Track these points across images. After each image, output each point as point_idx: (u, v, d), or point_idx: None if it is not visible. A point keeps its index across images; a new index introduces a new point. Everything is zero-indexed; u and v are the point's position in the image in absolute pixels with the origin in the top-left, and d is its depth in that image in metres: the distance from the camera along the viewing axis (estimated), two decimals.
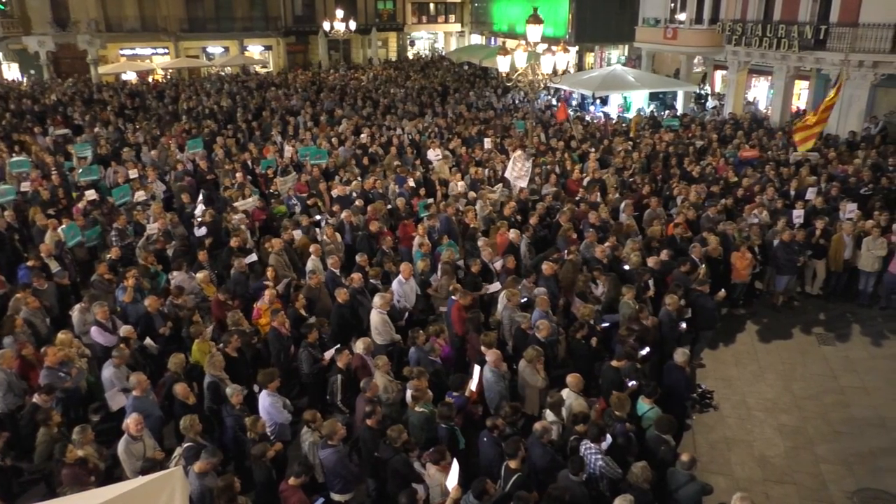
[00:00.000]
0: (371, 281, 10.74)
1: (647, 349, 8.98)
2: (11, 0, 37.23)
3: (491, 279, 10.99)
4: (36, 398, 7.78)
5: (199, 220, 13.16)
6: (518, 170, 14.97)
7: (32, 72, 38.46)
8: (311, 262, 11.28)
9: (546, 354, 8.57)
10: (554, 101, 29.28)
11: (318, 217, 14.09)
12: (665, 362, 8.79)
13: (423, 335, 8.82)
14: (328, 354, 8.85)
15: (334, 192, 14.94)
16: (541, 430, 7.00)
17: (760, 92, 27.65)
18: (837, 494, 8.07)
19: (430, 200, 14.42)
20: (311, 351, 8.85)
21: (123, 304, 10.11)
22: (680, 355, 8.46)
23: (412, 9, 52.10)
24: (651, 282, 10.59)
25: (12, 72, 38.77)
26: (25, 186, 15.34)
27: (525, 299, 9.98)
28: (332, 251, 11.77)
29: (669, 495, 6.62)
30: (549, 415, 7.58)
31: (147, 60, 41.65)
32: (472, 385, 8.12)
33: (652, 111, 26.90)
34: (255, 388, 8.34)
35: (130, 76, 37.71)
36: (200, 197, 14.92)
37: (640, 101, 28.03)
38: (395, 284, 10.54)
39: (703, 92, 29.64)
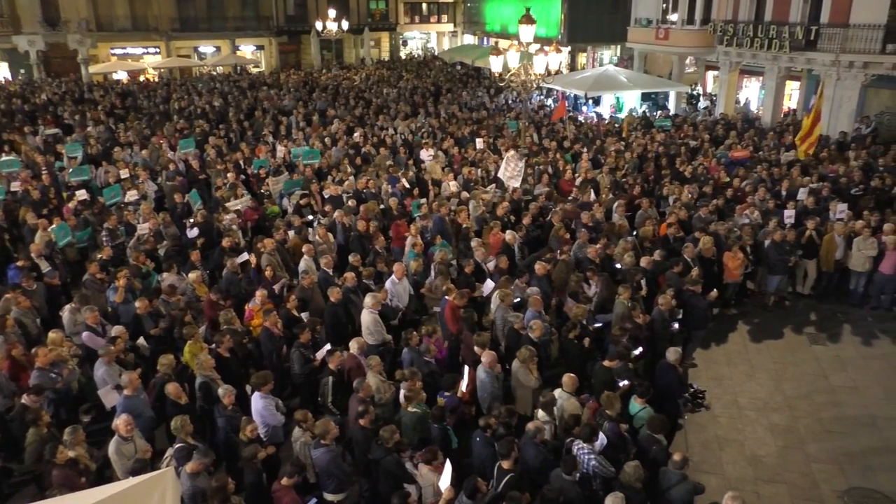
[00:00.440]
0: (364, 281, 10.72)
1: (640, 349, 8.99)
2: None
3: (484, 279, 11.00)
4: (25, 399, 7.71)
5: (191, 220, 13.10)
6: (511, 170, 14.97)
7: (23, 71, 38.19)
8: (304, 263, 11.26)
9: (539, 354, 8.58)
10: (548, 102, 29.33)
11: (310, 217, 14.06)
12: (657, 362, 8.82)
13: (417, 336, 8.81)
14: (320, 355, 8.83)
15: (326, 193, 14.92)
16: (534, 430, 7.02)
17: (752, 92, 27.78)
18: (828, 493, 8.10)
19: (423, 201, 14.41)
20: (303, 351, 8.83)
21: (115, 305, 10.06)
22: (672, 354, 8.50)
23: (405, 9, 51.97)
24: (643, 282, 10.62)
25: (2, 71, 38.54)
26: (15, 186, 15.24)
27: (518, 299, 9.99)
28: (324, 251, 11.73)
29: (661, 494, 6.64)
30: (542, 414, 7.59)
31: (138, 60, 41.40)
32: (463, 386, 8.12)
33: (644, 111, 26.96)
34: (248, 388, 8.31)
35: (121, 76, 37.51)
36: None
37: (632, 101, 28.11)
38: (388, 284, 10.53)
39: (694, 92, 29.76)
